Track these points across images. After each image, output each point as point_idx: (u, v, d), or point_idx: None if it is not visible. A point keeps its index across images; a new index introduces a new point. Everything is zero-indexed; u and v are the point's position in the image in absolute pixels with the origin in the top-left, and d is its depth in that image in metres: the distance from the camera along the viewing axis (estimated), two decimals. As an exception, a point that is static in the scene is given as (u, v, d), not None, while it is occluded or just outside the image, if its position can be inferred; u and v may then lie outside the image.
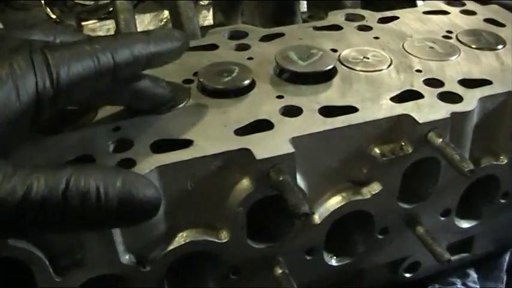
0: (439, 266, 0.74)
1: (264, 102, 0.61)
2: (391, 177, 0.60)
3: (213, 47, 0.73)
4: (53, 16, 1.01)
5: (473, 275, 0.78)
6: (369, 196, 0.60)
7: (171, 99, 0.59)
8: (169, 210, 0.54)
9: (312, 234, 0.61)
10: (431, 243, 0.64)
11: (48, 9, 1.01)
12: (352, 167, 0.60)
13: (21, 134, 0.47)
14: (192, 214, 0.56)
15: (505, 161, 0.66)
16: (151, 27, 1.15)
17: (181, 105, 0.60)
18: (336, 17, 0.82)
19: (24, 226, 0.42)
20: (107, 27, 1.12)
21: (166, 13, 1.17)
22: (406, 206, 0.64)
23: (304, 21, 0.91)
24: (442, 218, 0.67)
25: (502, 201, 0.70)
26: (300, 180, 0.57)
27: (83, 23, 1.08)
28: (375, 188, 0.61)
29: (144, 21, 1.13)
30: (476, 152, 0.65)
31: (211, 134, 0.56)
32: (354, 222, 0.64)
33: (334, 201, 0.60)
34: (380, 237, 0.65)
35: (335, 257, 0.65)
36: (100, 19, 1.06)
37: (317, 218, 0.60)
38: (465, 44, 0.73)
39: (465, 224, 0.71)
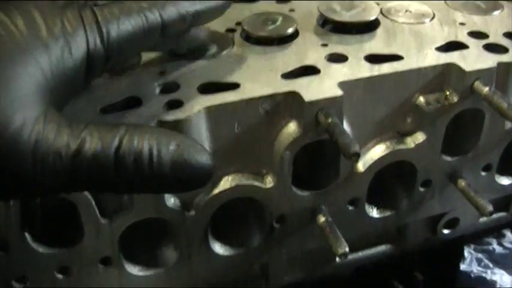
0: (476, 225, 0.74)
1: (309, 50, 0.60)
2: (435, 128, 0.60)
3: (254, -1, 0.72)
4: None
5: (510, 235, 0.78)
6: (412, 146, 0.60)
7: (209, 43, 0.59)
8: (215, 154, 0.54)
9: (355, 184, 0.60)
10: (473, 196, 0.63)
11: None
12: (397, 115, 0.59)
13: (75, 90, 0.46)
14: (239, 158, 0.56)
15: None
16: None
17: (225, 52, 0.60)
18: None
19: (76, 182, 0.41)
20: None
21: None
22: (448, 158, 0.63)
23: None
24: (483, 173, 0.67)
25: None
26: (346, 128, 0.56)
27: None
28: (419, 138, 0.60)
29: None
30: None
31: (258, 78, 0.55)
32: (396, 175, 0.64)
33: (379, 150, 0.60)
34: (422, 190, 0.64)
35: (377, 209, 0.65)
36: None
37: (361, 167, 0.60)
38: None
39: (505, 181, 0.70)
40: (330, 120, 0.51)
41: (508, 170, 0.70)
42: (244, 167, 0.56)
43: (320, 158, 0.58)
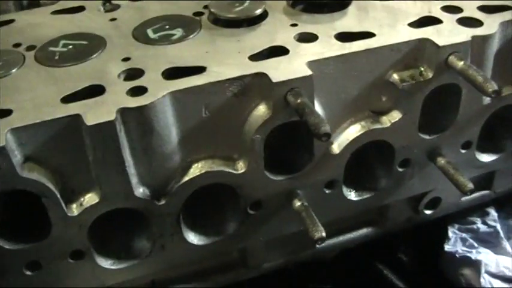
0: (459, 204, 0.72)
1: (278, 31, 0.59)
2: (411, 105, 0.58)
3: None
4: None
5: (493, 213, 0.76)
6: (388, 124, 0.59)
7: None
8: (184, 140, 0.52)
9: (331, 166, 0.59)
10: (453, 173, 0.62)
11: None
12: (371, 94, 0.58)
13: None
14: (208, 144, 0.54)
15: (528, 90, 0.64)
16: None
17: (192, 36, 0.58)
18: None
19: None
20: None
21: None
22: (427, 136, 0.62)
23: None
24: (463, 151, 0.65)
25: (525, 132, 0.68)
26: (319, 109, 0.55)
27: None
28: (395, 116, 0.59)
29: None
30: (497, 80, 0.62)
31: (226, 61, 0.54)
32: (374, 156, 0.62)
33: (354, 131, 0.59)
34: (400, 170, 0.63)
35: (355, 192, 0.63)
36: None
37: (336, 148, 0.58)
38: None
39: (486, 158, 0.69)
40: (299, 100, 0.50)
41: (489, 146, 0.69)
42: (214, 153, 0.55)
43: (293, 140, 0.56)
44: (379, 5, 0.63)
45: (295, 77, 0.51)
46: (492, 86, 0.53)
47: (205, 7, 0.63)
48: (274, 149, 0.56)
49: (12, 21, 0.66)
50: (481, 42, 0.58)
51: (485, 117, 0.64)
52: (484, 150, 0.69)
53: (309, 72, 0.51)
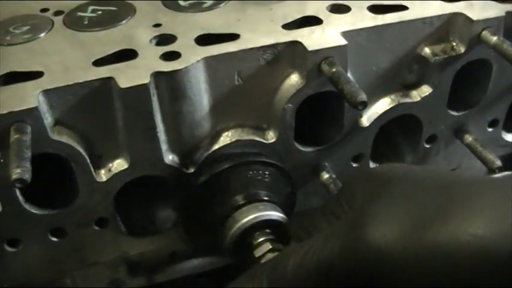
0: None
1: (310, 1, 0.58)
2: (441, 80, 0.58)
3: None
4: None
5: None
6: (418, 99, 0.58)
7: None
8: (215, 107, 0.52)
9: (359, 140, 0.59)
10: (481, 150, 0.62)
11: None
12: (402, 68, 0.57)
13: None
14: (238, 112, 0.54)
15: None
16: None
17: (224, 4, 0.57)
18: None
19: None
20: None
21: None
22: (455, 113, 0.61)
23: None
24: (490, 129, 0.65)
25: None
26: (349, 79, 0.54)
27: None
28: (425, 90, 0.58)
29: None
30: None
31: (258, 28, 0.53)
32: (401, 131, 0.62)
33: (383, 104, 0.58)
34: (427, 146, 0.63)
35: (381, 166, 0.63)
36: None
37: (365, 121, 0.58)
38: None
39: (511, 137, 0.68)
40: (334, 69, 0.49)
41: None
42: (244, 122, 0.54)
43: (323, 112, 0.56)
44: (412, -22, 0.62)
45: (329, 46, 0.50)
46: (528, 60, 0.52)
47: (235, -24, 0.62)
48: (302, 120, 0.55)
49: (37, -14, 0.65)
50: (515, 18, 0.57)
51: (513, 95, 0.63)
52: (509, 129, 0.68)
53: (343, 41, 0.51)
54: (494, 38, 0.55)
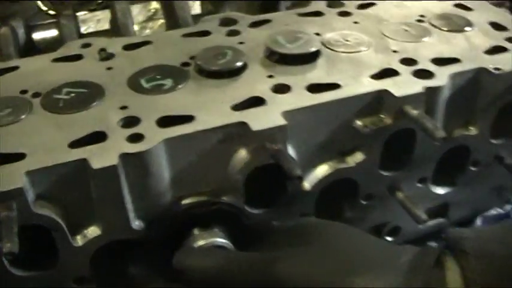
0: (418, 231, 0.81)
1: (256, 81, 0.67)
2: (372, 147, 0.67)
3: (206, 33, 0.79)
4: (44, 8, 1.04)
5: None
6: (353, 165, 0.67)
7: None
8: (175, 179, 0.60)
9: (303, 201, 0.67)
10: (410, 207, 0.70)
11: (40, 2, 1.04)
12: (337, 138, 0.66)
13: None
14: (196, 183, 0.62)
15: (475, 132, 0.73)
16: (140, 18, 1.20)
17: (181, 86, 0.66)
18: (318, 4, 0.88)
19: None
20: (97, 18, 1.16)
21: (153, 4, 1.21)
22: (387, 173, 0.70)
23: (288, 8, 0.97)
24: (419, 185, 0.74)
25: (473, 169, 0.77)
26: (292, 152, 0.63)
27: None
28: (359, 157, 0.67)
29: (133, 12, 1.17)
30: (449, 124, 0.71)
31: (211, 110, 0.62)
32: (341, 191, 0.70)
33: (322, 170, 0.67)
34: (364, 203, 0.71)
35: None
36: (91, 10, 1.10)
37: (307, 185, 0.66)
38: (436, 27, 0.80)
39: (440, 191, 0.77)
40: (275, 147, 0.58)
41: (443, 180, 0.77)
42: (202, 190, 0.63)
43: (271, 178, 0.64)
44: (345, 57, 0.71)
45: (271, 127, 0.59)
46: (440, 134, 0.61)
47: (192, 58, 0.70)
48: (254, 187, 0.63)
49: (17, 67, 0.73)
50: (432, 91, 0.66)
51: (438, 156, 0.73)
52: (439, 183, 0.77)
53: (283, 122, 0.60)
54: (415, 112, 0.64)
